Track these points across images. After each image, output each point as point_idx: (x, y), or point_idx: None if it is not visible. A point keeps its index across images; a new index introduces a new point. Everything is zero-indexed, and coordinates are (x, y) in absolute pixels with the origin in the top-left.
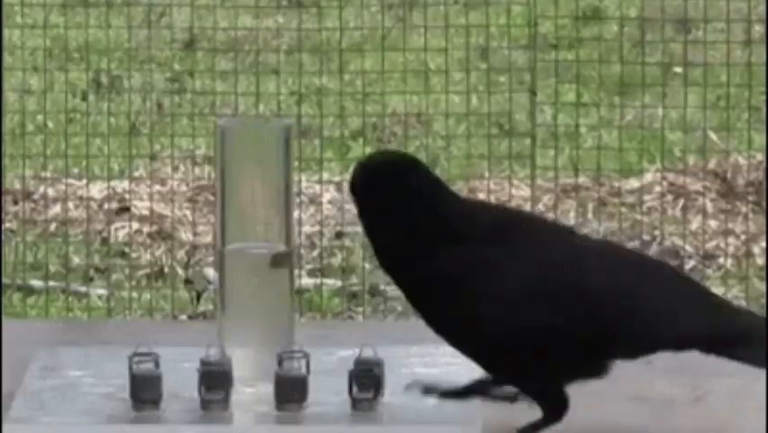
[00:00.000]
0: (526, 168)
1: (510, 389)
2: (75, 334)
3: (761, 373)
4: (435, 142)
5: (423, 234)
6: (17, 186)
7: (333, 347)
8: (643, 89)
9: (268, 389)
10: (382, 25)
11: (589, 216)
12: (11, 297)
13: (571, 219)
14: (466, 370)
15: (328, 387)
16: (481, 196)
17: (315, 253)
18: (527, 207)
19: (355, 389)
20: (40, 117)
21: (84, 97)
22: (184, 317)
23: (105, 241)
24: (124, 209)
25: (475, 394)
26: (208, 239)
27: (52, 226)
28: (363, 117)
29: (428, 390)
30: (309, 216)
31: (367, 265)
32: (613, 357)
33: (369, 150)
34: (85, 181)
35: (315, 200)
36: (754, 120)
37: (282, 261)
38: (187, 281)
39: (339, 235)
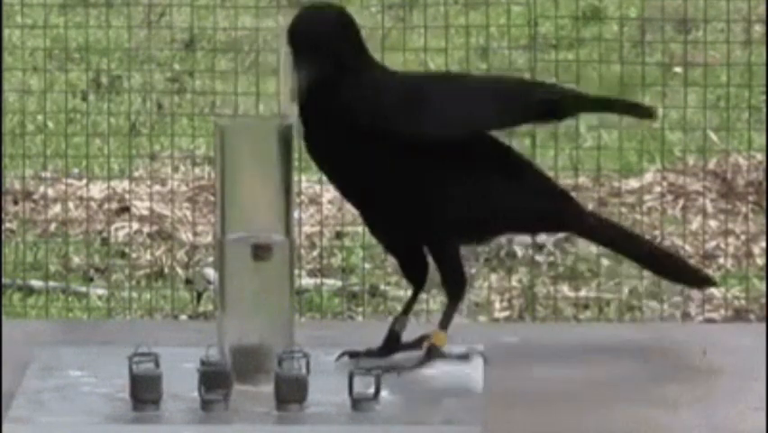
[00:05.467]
0: None
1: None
2: (75, 334)
3: (761, 372)
4: None
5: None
6: (17, 186)
7: (333, 347)
8: (643, 89)
9: (268, 389)
10: (382, 25)
11: None
12: (11, 297)
13: None
14: (463, 370)
15: (328, 387)
16: None
17: (315, 253)
18: None
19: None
20: (40, 117)
21: (84, 97)
22: (184, 317)
23: (105, 241)
24: (124, 209)
25: (388, 352)
26: (208, 239)
27: (52, 226)
28: None
29: (352, 355)
30: (309, 216)
31: (367, 265)
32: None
33: None
34: (85, 181)
35: (315, 200)
36: (754, 120)
37: (265, 253)
38: (188, 281)
39: (339, 235)
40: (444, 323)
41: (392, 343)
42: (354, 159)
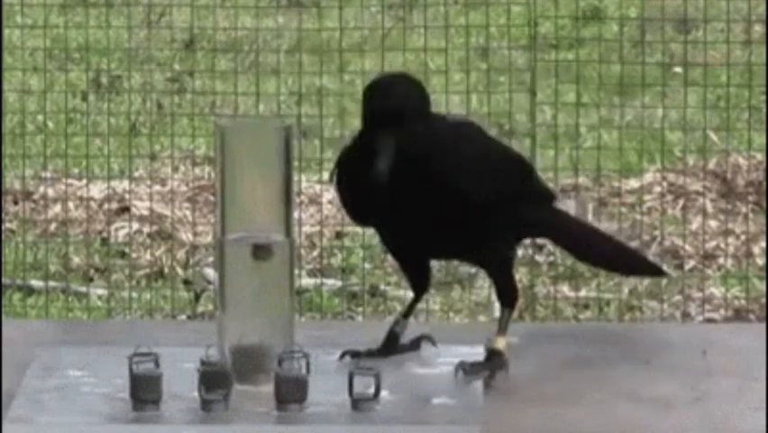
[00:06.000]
0: None
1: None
2: (75, 334)
3: (761, 372)
4: None
5: None
6: (17, 186)
7: (333, 347)
8: (643, 89)
9: (268, 389)
10: (382, 25)
11: (589, 216)
12: (11, 297)
13: None
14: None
15: (328, 387)
16: None
17: (315, 253)
18: None
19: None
20: (40, 117)
21: (84, 97)
22: (184, 317)
23: (104, 241)
24: (124, 209)
25: (388, 353)
26: (208, 239)
27: (52, 226)
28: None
29: (354, 354)
30: (309, 216)
31: (367, 265)
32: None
33: None
34: (85, 181)
35: (315, 200)
36: (754, 120)
37: (265, 253)
38: (186, 282)
39: (339, 235)
40: (503, 330)
41: (392, 343)
42: (413, 203)
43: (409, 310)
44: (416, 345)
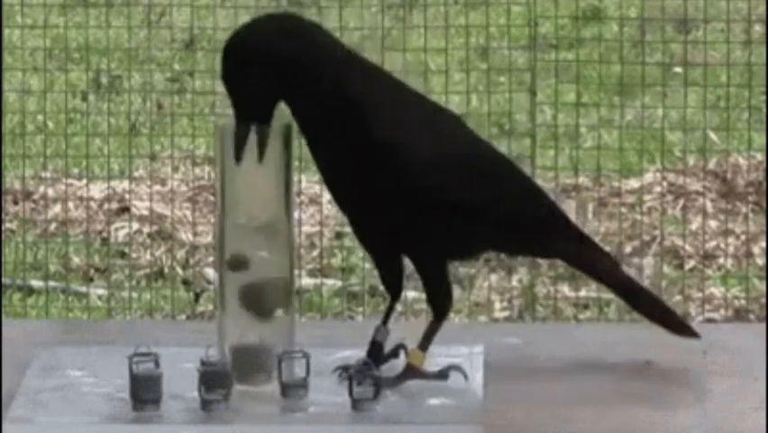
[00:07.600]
0: (526, 168)
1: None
2: (75, 334)
3: (761, 372)
4: None
5: None
6: (17, 186)
7: (333, 347)
8: (643, 89)
9: (268, 389)
10: (382, 25)
11: (589, 216)
12: (11, 297)
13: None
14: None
15: (328, 387)
16: None
17: (315, 253)
18: None
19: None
20: (40, 117)
21: (84, 97)
22: (183, 317)
23: (105, 241)
24: (124, 209)
25: (376, 363)
26: (208, 239)
27: (52, 226)
28: None
29: (344, 369)
30: (309, 216)
31: (367, 265)
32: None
33: None
34: (85, 181)
35: (315, 200)
36: (754, 120)
37: (240, 264)
38: (185, 282)
39: (339, 235)
40: (425, 344)
41: (378, 353)
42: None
43: (387, 317)
44: (395, 353)
